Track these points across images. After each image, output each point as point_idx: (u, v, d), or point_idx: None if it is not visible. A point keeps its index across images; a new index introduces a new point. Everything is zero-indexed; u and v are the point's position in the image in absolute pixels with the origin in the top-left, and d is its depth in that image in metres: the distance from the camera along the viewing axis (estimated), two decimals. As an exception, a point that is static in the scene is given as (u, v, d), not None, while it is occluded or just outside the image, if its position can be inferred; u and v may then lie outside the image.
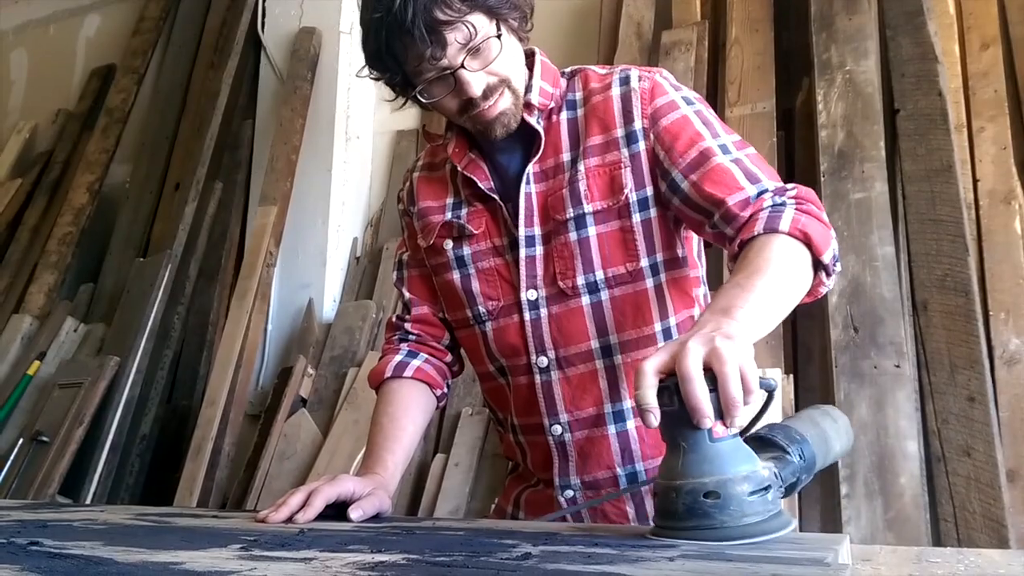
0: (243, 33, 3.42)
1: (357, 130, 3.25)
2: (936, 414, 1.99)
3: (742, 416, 0.75)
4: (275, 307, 3.09)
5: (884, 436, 1.96)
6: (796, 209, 1.00)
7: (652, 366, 0.77)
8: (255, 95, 3.43)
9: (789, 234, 0.97)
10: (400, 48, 1.06)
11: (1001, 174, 2.23)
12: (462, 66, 1.05)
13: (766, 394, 0.85)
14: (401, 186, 1.34)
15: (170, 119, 3.64)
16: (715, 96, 2.57)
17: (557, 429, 1.16)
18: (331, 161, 3.14)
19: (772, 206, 1.01)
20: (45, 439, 2.85)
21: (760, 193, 1.03)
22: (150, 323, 3.04)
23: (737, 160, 1.07)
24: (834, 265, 1.01)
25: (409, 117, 3.25)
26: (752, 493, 0.74)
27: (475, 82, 1.06)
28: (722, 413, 0.75)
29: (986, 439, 1.91)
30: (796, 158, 2.46)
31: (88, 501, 2.74)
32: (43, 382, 3.15)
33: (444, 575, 0.60)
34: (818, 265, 0.99)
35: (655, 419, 0.75)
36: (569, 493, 1.17)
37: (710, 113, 1.14)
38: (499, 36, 1.07)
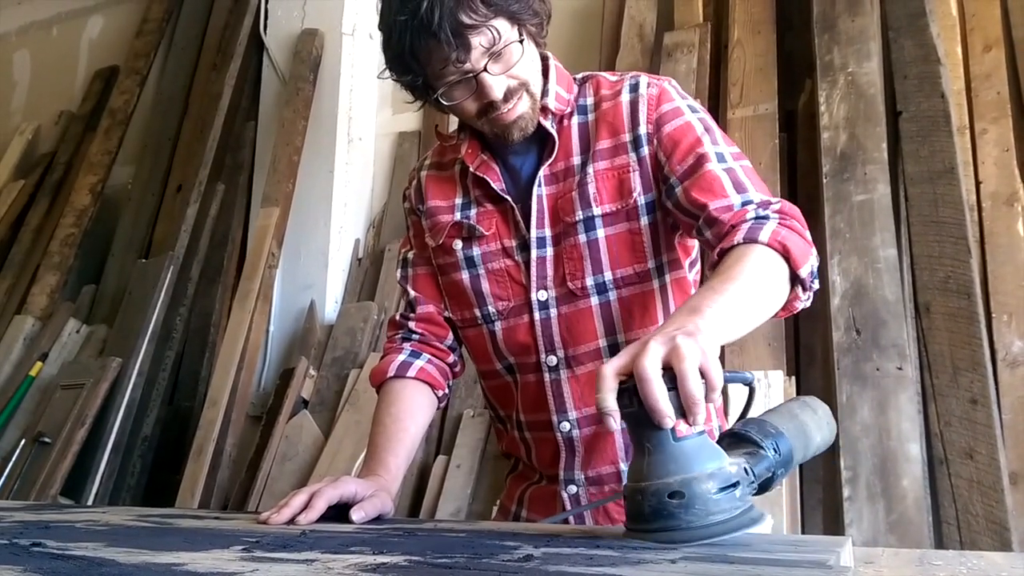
0: (246, 35, 3.43)
1: (359, 132, 3.25)
2: (938, 416, 1.98)
3: (703, 414, 0.74)
4: (277, 308, 3.09)
5: (886, 439, 1.96)
6: (779, 223, 1.01)
7: (611, 369, 0.77)
8: (257, 97, 3.43)
9: (768, 245, 0.97)
10: (424, 51, 1.06)
11: (1004, 176, 2.22)
12: (485, 69, 1.07)
13: (748, 389, 0.86)
14: (407, 184, 1.34)
15: (172, 121, 3.64)
16: (717, 98, 2.57)
17: (566, 426, 1.17)
18: (333, 163, 3.15)
19: (755, 218, 1.02)
20: (47, 440, 2.86)
21: (744, 204, 1.05)
22: (152, 324, 3.04)
23: (729, 169, 1.08)
24: (811, 281, 1.01)
25: (411, 119, 3.25)
26: (719, 491, 0.73)
27: (496, 85, 1.08)
28: (684, 412, 0.74)
29: (988, 441, 1.91)
30: (798, 160, 2.46)
31: (90, 502, 2.75)
32: (45, 383, 3.15)
33: (446, 577, 0.59)
34: (795, 280, 1.00)
35: (615, 422, 0.75)
36: (572, 488, 1.18)
37: (712, 123, 1.16)
38: (521, 41, 1.09)
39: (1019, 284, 2.10)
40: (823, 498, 2.07)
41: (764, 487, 0.81)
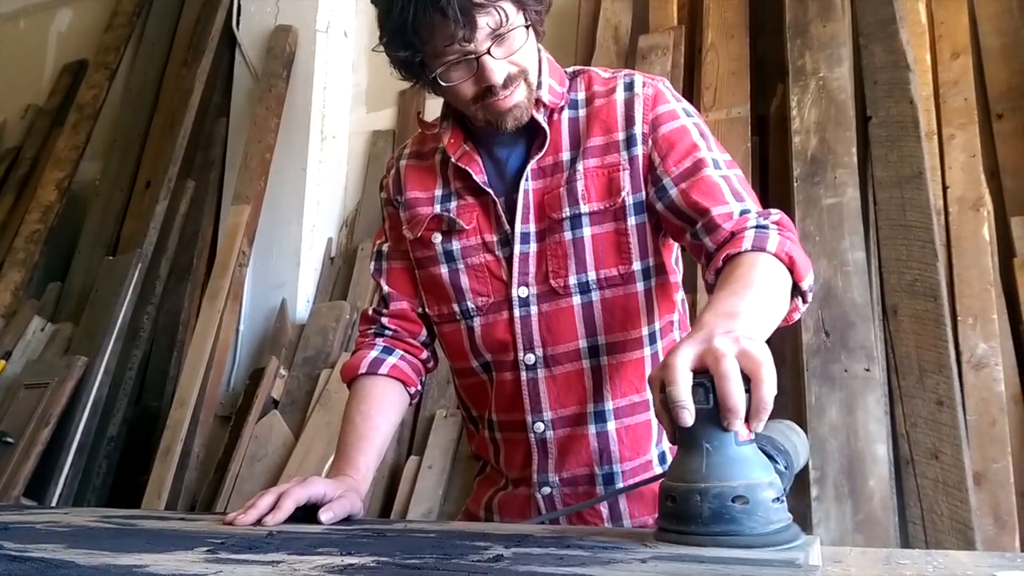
0: (218, 30, 3.39)
1: (333, 130, 3.23)
2: (905, 417, 2.01)
3: (764, 422, 0.74)
4: (247, 307, 3.06)
5: (854, 439, 1.98)
6: (780, 234, 1.02)
7: (684, 361, 0.75)
8: (229, 93, 3.39)
9: (775, 255, 0.98)
10: (427, 26, 1.03)
11: (970, 181, 2.26)
12: (488, 52, 1.05)
13: None
14: (384, 174, 1.31)
15: (142, 116, 3.59)
16: (691, 101, 2.57)
17: (540, 426, 1.15)
18: (306, 160, 3.12)
19: (756, 226, 1.03)
20: (10, 440, 2.80)
21: (743, 212, 1.05)
22: (119, 323, 2.99)
23: (726, 177, 1.09)
24: (810, 293, 1.03)
25: (386, 118, 3.24)
26: (775, 500, 0.72)
27: (498, 69, 1.06)
28: (746, 416, 0.73)
29: (954, 442, 1.94)
30: (770, 164, 2.48)
31: (54, 503, 2.70)
32: (9, 382, 3.09)
33: (414, 578, 0.59)
34: (795, 291, 1.01)
35: (690, 416, 0.72)
36: (547, 490, 1.17)
37: (706, 129, 1.16)
38: (526, 27, 1.07)
39: (984, 287, 2.13)
40: (791, 498, 2.08)
41: None
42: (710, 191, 1.06)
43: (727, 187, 1.07)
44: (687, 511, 0.72)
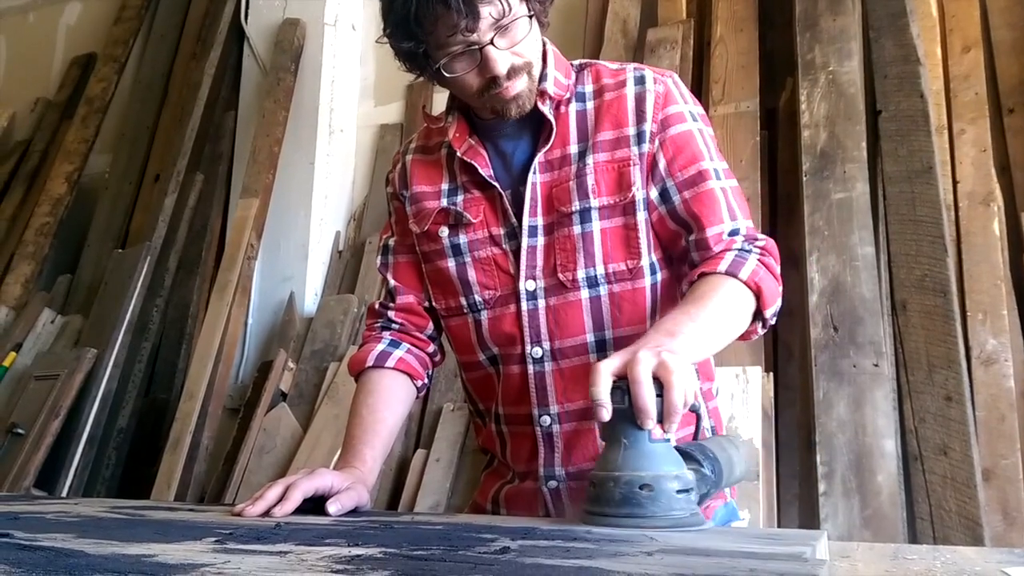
0: (226, 23, 3.40)
1: (341, 123, 3.23)
2: (914, 413, 2.00)
3: (677, 423, 0.85)
4: (256, 300, 3.07)
5: (862, 434, 1.97)
6: (759, 260, 1.08)
7: (607, 368, 0.87)
8: (238, 86, 3.40)
9: (745, 283, 1.05)
10: (430, 17, 1.03)
11: (981, 176, 2.25)
12: (491, 43, 1.05)
13: (695, 416, 1.00)
14: (390, 168, 1.31)
15: (151, 109, 3.60)
16: (700, 95, 2.57)
17: (546, 420, 1.16)
18: (314, 154, 3.13)
19: (739, 250, 1.09)
20: (20, 431, 2.82)
21: (732, 232, 1.10)
22: (128, 315, 3.01)
23: (725, 190, 1.13)
24: (772, 319, 1.10)
25: (393, 112, 3.24)
26: (679, 491, 0.85)
27: (501, 60, 1.06)
28: (661, 418, 0.84)
29: (963, 438, 1.93)
30: (779, 158, 2.47)
31: (64, 494, 2.71)
32: (19, 374, 3.11)
33: (421, 569, 0.59)
34: (757, 315, 1.08)
35: (607, 413, 0.85)
36: (553, 484, 1.17)
37: (709, 133, 1.18)
38: (530, 17, 1.07)
39: (994, 283, 2.12)
40: (799, 493, 2.08)
41: (700, 500, 0.92)
42: (712, 205, 1.11)
43: (725, 202, 1.12)
44: (603, 495, 0.85)
